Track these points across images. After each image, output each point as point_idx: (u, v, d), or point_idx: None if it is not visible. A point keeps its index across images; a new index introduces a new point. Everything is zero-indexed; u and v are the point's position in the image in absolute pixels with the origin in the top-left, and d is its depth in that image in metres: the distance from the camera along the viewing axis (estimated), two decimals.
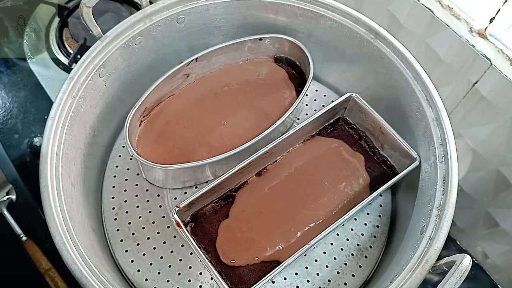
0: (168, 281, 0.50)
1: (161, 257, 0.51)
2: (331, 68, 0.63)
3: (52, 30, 0.82)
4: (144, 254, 0.51)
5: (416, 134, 0.52)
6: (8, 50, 0.80)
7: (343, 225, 0.54)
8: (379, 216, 0.55)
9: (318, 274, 0.51)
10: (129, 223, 0.53)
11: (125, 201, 0.55)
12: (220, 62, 0.60)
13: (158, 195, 0.55)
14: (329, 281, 0.51)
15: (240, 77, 0.60)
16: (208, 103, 0.58)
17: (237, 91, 0.59)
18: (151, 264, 0.51)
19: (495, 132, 0.54)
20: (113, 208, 0.54)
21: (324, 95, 0.64)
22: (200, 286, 0.50)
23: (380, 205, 0.56)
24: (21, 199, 0.65)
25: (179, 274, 0.50)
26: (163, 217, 0.54)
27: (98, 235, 0.50)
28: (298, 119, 0.62)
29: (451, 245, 0.67)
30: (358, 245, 0.53)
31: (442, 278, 0.37)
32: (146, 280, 0.50)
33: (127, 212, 0.54)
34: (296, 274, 0.51)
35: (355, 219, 0.55)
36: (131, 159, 0.58)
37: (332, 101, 0.56)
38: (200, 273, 0.51)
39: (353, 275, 0.51)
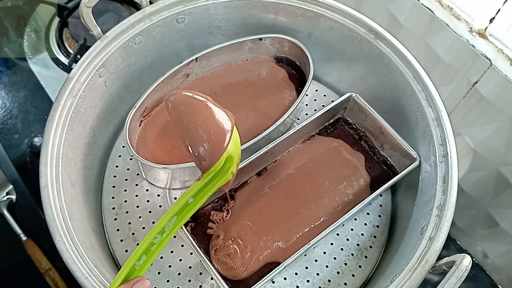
0: (168, 281, 0.50)
1: (161, 257, 0.51)
2: (331, 68, 0.63)
3: (52, 30, 0.82)
4: None
5: (416, 134, 0.52)
6: (8, 50, 0.80)
7: (343, 225, 0.54)
8: (379, 216, 0.55)
9: (318, 274, 0.51)
10: (129, 223, 0.53)
11: (125, 201, 0.55)
12: (220, 62, 0.60)
13: (158, 195, 0.55)
14: (329, 281, 0.51)
15: (240, 77, 0.60)
16: None
17: (237, 91, 0.59)
18: (151, 264, 0.51)
19: (495, 132, 0.54)
20: (113, 208, 0.54)
21: (324, 95, 0.64)
22: (200, 286, 0.50)
23: (380, 205, 0.56)
24: (21, 199, 0.66)
25: (179, 274, 0.51)
26: None
27: (98, 235, 0.50)
28: (298, 119, 0.62)
29: (451, 245, 0.67)
30: (358, 245, 0.53)
31: (442, 278, 0.37)
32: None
33: (127, 212, 0.54)
34: (296, 274, 0.51)
35: (355, 219, 0.55)
36: (131, 159, 0.58)
37: (332, 101, 0.56)
38: (200, 273, 0.51)
39: (353, 275, 0.51)
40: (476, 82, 0.53)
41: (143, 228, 0.53)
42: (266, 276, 0.44)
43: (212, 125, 0.37)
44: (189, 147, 0.38)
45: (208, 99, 0.39)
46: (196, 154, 0.37)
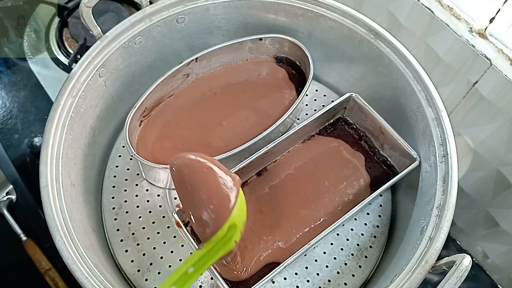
0: None
1: (161, 257, 0.51)
2: (331, 68, 0.63)
3: (52, 30, 0.82)
4: (144, 254, 0.51)
5: (416, 134, 0.52)
6: (8, 50, 0.80)
7: (343, 225, 0.54)
8: (379, 216, 0.55)
9: (318, 274, 0.51)
10: (129, 223, 0.53)
11: (125, 201, 0.55)
12: (220, 62, 0.60)
13: (158, 195, 0.55)
14: (329, 281, 0.51)
15: (240, 77, 0.60)
16: (208, 103, 0.58)
17: (237, 91, 0.59)
18: (151, 264, 0.51)
19: (495, 132, 0.54)
20: (113, 208, 0.54)
21: (324, 95, 0.64)
22: (200, 286, 0.50)
23: (380, 205, 0.56)
24: (21, 199, 0.65)
25: None
26: (163, 217, 0.54)
27: (98, 235, 0.50)
28: (298, 119, 0.62)
29: (451, 245, 0.67)
30: (358, 245, 0.53)
31: (442, 278, 0.37)
32: (146, 280, 0.50)
33: (127, 212, 0.54)
34: (296, 274, 0.51)
35: (355, 219, 0.55)
36: (131, 159, 0.58)
37: (332, 101, 0.56)
38: None
39: (353, 275, 0.51)
40: (476, 82, 0.53)
41: (143, 228, 0.53)
42: (266, 276, 0.44)
43: (216, 190, 0.36)
44: (191, 212, 0.36)
45: (214, 163, 0.37)
46: (199, 220, 0.36)
